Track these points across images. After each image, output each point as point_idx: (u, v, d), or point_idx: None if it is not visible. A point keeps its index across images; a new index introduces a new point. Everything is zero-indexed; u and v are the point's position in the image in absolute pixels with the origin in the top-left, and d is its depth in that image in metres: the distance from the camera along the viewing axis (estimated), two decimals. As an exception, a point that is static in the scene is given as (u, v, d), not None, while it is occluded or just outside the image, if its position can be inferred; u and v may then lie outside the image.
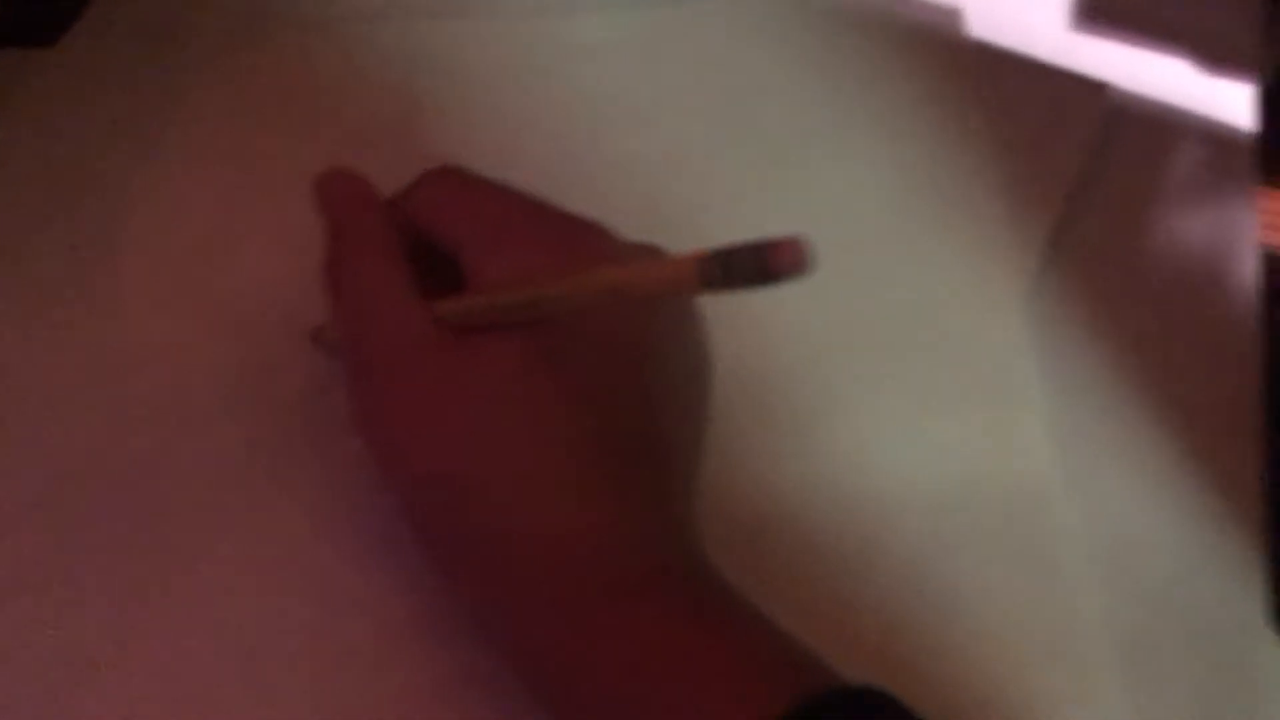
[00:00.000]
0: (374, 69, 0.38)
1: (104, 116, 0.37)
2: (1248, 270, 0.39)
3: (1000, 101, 0.40)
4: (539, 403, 0.28)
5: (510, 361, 0.28)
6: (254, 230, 0.36)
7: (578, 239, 0.30)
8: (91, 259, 0.35)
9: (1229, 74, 0.42)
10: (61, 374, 0.34)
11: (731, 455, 0.34)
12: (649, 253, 0.31)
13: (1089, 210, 0.39)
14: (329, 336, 0.34)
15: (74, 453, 0.33)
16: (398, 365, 0.29)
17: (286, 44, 0.38)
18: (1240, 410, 0.37)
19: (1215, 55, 0.42)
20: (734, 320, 0.32)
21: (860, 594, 0.33)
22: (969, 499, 0.35)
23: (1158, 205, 0.40)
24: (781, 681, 0.26)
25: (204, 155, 0.37)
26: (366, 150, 0.37)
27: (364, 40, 0.39)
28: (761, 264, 0.22)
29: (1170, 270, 0.39)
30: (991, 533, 0.34)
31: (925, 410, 0.36)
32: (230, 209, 0.36)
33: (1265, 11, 0.43)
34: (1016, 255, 0.38)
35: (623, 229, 0.31)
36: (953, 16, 0.42)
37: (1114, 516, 0.35)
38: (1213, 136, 0.41)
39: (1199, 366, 0.38)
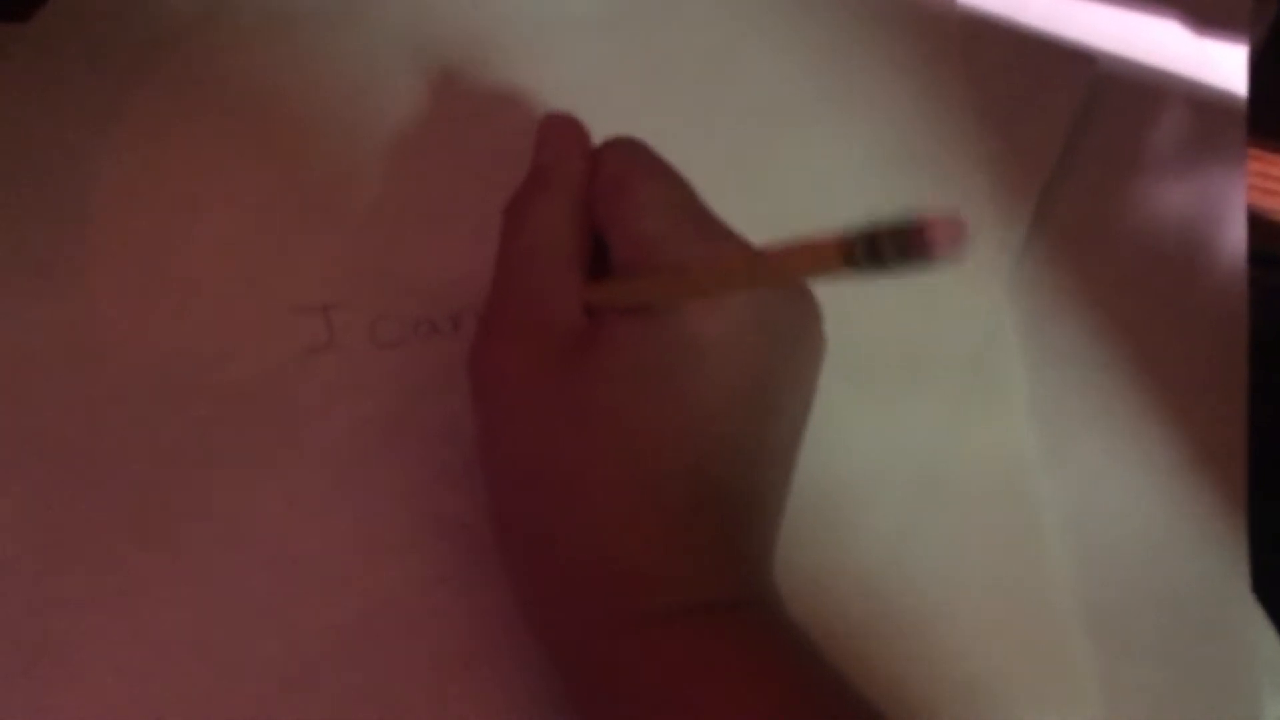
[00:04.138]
0: (344, 51, 0.38)
1: (72, 93, 0.37)
2: (1237, 238, 0.39)
3: (986, 71, 0.39)
4: (649, 419, 0.27)
5: (634, 356, 0.28)
6: (218, 207, 0.36)
7: (728, 247, 0.29)
8: (59, 236, 0.35)
9: (1220, 36, 0.41)
10: (28, 354, 0.34)
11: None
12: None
13: (1075, 180, 0.39)
14: None
15: (42, 434, 0.33)
16: (536, 337, 0.29)
17: (255, 26, 0.38)
18: (1225, 379, 0.37)
19: (1206, 17, 0.42)
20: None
21: (841, 569, 0.33)
22: (951, 474, 0.35)
23: (1146, 173, 0.40)
24: None
25: (170, 133, 0.36)
26: (335, 129, 0.37)
27: (337, 21, 0.38)
28: (912, 245, 0.19)
29: (1159, 239, 0.39)
30: (973, 507, 0.34)
31: (907, 385, 0.36)
32: (195, 187, 0.36)
33: (1257, -29, 0.42)
34: (1001, 227, 0.38)
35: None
36: (939, -17, 0.41)
37: (1097, 490, 0.35)
38: (1203, 101, 0.41)
39: (1185, 337, 0.38)
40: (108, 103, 0.37)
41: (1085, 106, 0.40)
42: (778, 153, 0.38)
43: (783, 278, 0.25)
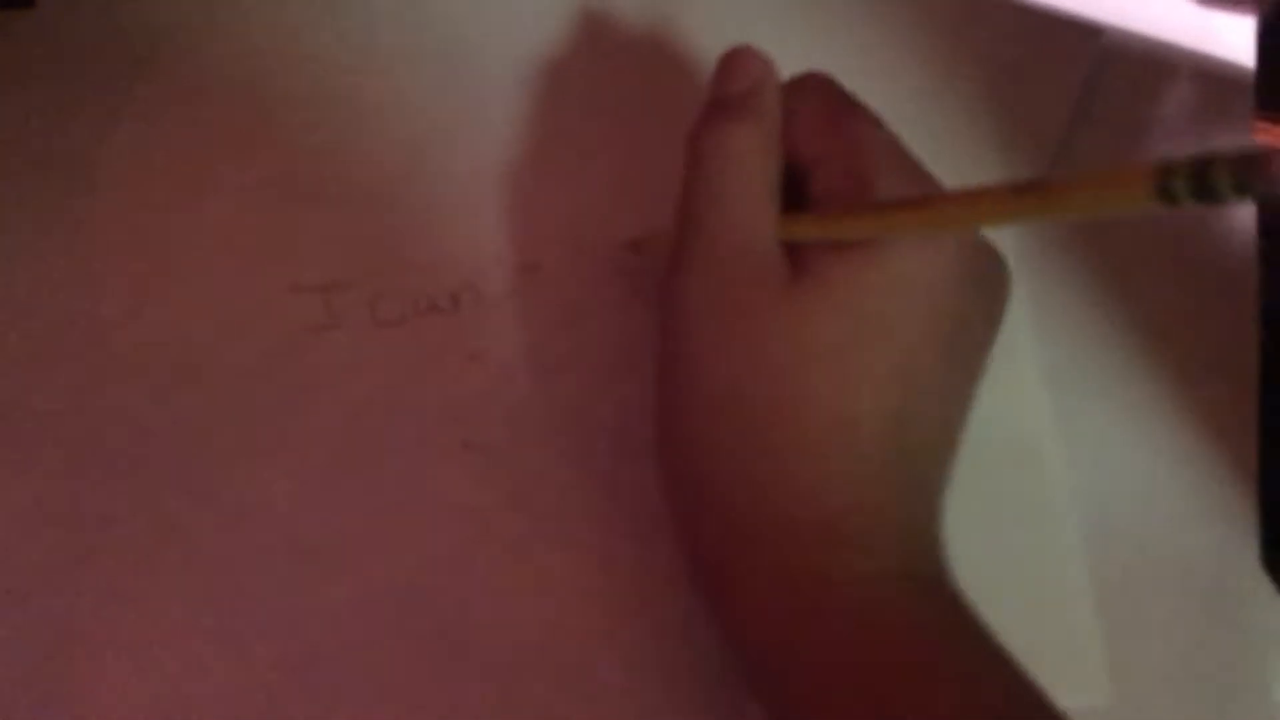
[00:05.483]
0: (341, 29, 0.38)
1: (76, 77, 0.37)
2: (1246, 211, 0.38)
3: (991, 44, 0.39)
4: (864, 358, 0.27)
5: (849, 294, 0.27)
6: (218, 190, 0.36)
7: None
8: (66, 217, 0.35)
9: (1227, 7, 0.41)
10: (35, 331, 0.34)
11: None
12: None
13: (1082, 153, 0.38)
14: (652, 248, 0.32)
15: (40, 419, 0.33)
16: (730, 275, 0.28)
17: (254, 6, 0.38)
18: (1235, 352, 0.36)
19: (1213, -12, 0.41)
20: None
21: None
22: (962, 450, 0.34)
23: (1153, 145, 0.39)
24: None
25: (170, 115, 0.36)
26: (332, 108, 0.37)
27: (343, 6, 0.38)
28: (1254, 175, 0.18)
29: (1166, 215, 0.38)
30: (984, 482, 0.34)
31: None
32: (195, 169, 0.36)
33: (1266, -59, 0.42)
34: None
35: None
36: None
37: (1105, 465, 0.35)
38: (1209, 73, 0.40)
39: (1195, 311, 0.37)
40: (111, 86, 0.37)
41: (1091, 79, 0.39)
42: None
43: (1070, 208, 0.23)
